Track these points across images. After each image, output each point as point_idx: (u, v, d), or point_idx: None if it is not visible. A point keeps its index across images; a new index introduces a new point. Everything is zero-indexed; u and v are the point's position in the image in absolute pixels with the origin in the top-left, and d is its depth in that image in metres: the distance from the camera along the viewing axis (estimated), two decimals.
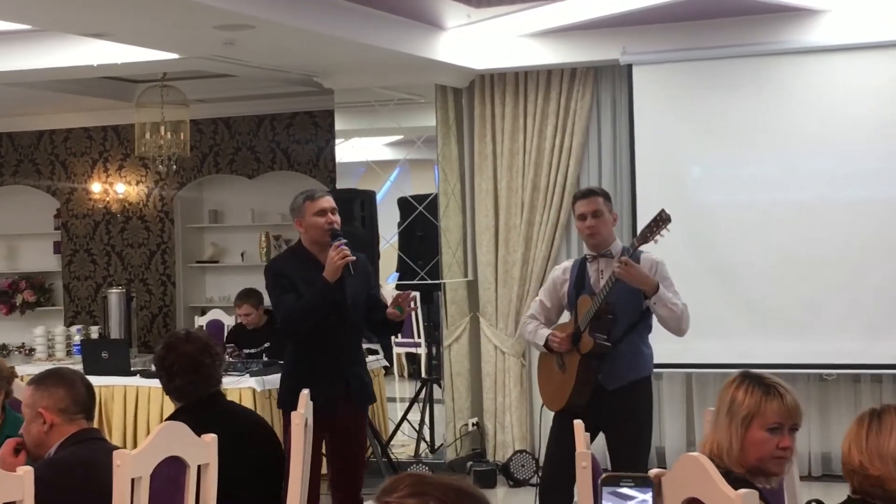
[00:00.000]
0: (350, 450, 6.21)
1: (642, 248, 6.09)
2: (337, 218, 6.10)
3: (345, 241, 6.01)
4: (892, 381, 8.83)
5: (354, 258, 6.00)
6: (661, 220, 5.93)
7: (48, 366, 9.51)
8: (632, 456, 6.05)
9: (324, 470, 6.31)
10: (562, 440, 5.96)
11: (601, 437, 6.12)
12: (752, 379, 3.50)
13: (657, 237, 5.94)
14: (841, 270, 8.66)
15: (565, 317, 6.43)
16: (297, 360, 6.21)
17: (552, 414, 6.32)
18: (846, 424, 9.36)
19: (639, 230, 8.85)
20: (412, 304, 6.34)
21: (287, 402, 5.97)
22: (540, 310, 6.39)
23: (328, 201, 6.11)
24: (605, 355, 6.05)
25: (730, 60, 8.94)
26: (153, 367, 8.50)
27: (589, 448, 4.02)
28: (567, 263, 6.49)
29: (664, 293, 5.99)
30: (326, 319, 6.02)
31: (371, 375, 6.73)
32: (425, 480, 2.09)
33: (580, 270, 6.26)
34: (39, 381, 4.31)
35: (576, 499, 5.38)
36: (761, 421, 3.44)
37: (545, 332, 6.24)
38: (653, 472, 3.08)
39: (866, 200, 8.66)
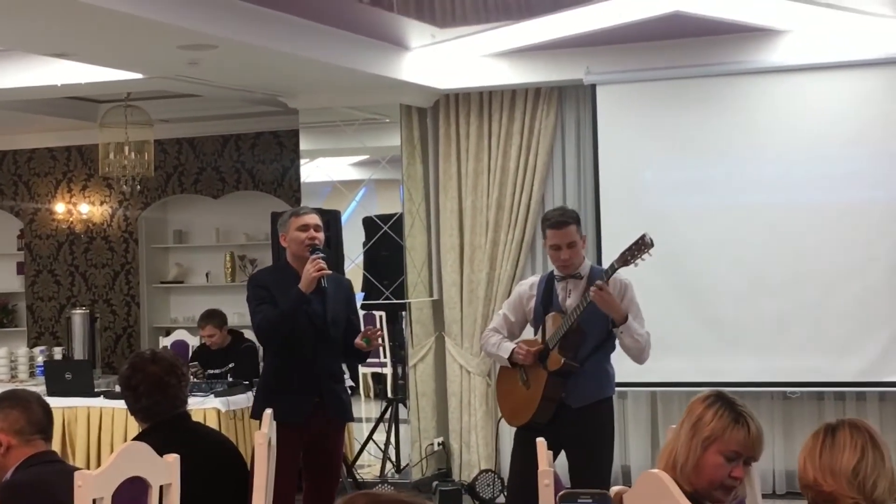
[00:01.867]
0: (321, 466, 6.26)
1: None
2: (320, 235, 6.27)
3: (323, 255, 6.17)
4: (854, 399, 8.89)
5: (330, 272, 6.17)
6: (644, 245, 5.87)
7: (11, 387, 9.47)
8: (593, 474, 6.05)
9: None
10: (525, 458, 5.97)
11: (563, 456, 6.14)
12: (724, 402, 3.45)
13: (638, 261, 5.92)
14: (807, 289, 8.71)
15: (528, 332, 6.43)
16: (273, 372, 6.31)
17: (514, 432, 6.34)
18: None
19: (602, 248, 8.97)
20: (380, 340, 6.46)
21: (259, 412, 6.02)
22: (503, 323, 6.37)
23: (313, 218, 6.30)
24: (571, 374, 6.06)
25: (693, 80, 8.99)
26: (117, 388, 8.49)
27: (552, 466, 4.03)
28: (534, 279, 6.46)
29: (632, 324, 6.01)
30: (304, 334, 6.14)
31: (349, 394, 6.74)
32: (380, 499, 2.09)
33: (547, 287, 6.25)
34: None
35: None
36: (721, 446, 3.39)
37: (510, 345, 6.23)
38: (614, 489, 3.09)
39: (831, 220, 8.70)
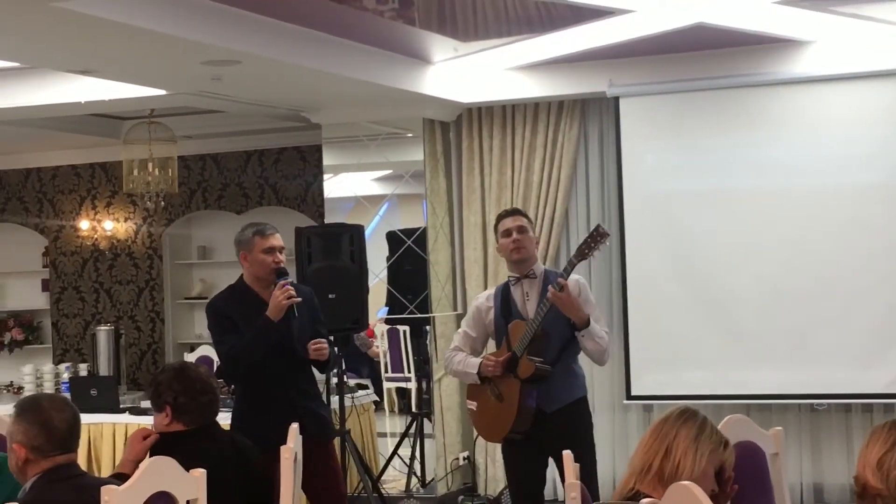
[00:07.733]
0: (319, 485, 5.98)
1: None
2: (283, 258, 6.02)
3: (290, 280, 5.96)
4: (882, 410, 8.81)
5: (300, 299, 5.93)
6: (599, 236, 5.94)
7: None
8: (584, 479, 6.03)
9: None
10: (517, 470, 6.04)
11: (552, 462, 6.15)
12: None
13: (595, 253, 5.95)
14: (831, 299, 8.65)
15: (490, 347, 6.41)
16: (247, 397, 6.09)
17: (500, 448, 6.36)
18: (837, 454, 9.32)
19: (626, 260, 8.96)
20: (323, 353, 6.06)
21: None
22: (464, 341, 6.33)
23: (278, 239, 6.03)
24: (544, 378, 6.01)
25: (716, 92, 8.96)
26: (143, 404, 8.50)
27: (577, 478, 4.01)
28: (490, 291, 6.46)
29: (594, 327, 6.00)
30: (273, 357, 5.90)
31: (329, 410, 6.53)
32: None
33: (504, 296, 6.23)
34: (20, 411, 4.21)
35: None
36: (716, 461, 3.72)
37: (476, 360, 6.20)
38: (644, 501, 3.07)
39: (854, 230, 8.66)
